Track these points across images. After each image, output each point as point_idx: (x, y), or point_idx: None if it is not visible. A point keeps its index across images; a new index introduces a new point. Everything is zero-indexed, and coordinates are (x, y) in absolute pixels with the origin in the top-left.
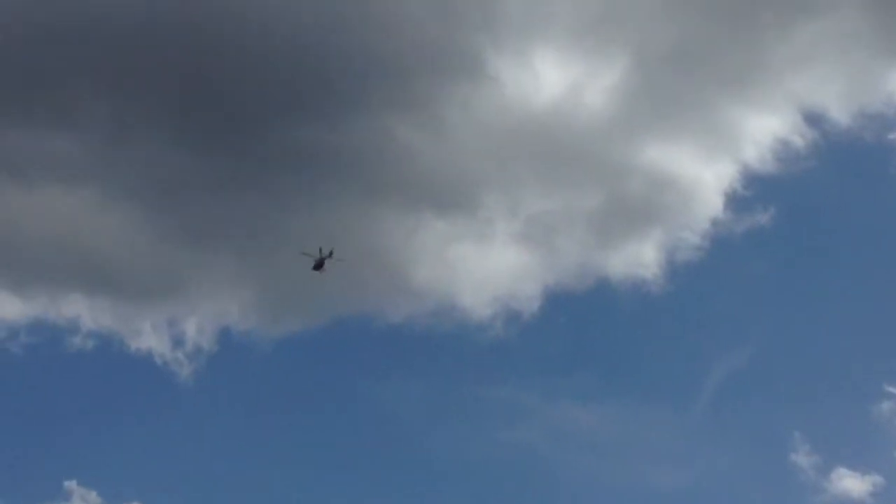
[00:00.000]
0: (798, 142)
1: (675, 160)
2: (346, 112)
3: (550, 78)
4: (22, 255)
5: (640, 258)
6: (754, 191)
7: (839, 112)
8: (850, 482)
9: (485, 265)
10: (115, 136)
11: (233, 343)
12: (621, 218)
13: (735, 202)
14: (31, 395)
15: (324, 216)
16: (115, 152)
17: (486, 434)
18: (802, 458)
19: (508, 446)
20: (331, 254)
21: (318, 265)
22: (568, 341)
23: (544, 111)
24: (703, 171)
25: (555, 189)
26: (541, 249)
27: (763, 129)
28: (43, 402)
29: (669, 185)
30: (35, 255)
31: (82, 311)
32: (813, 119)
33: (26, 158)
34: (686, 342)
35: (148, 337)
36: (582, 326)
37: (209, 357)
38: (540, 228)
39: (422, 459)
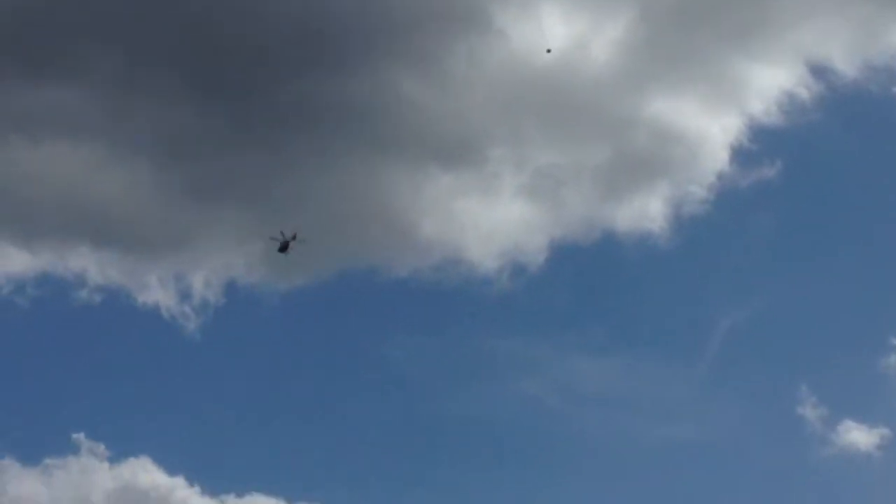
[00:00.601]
0: (804, 94)
1: (680, 113)
2: (353, 66)
3: (556, 31)
4: (29, 210)
5: (647, 211)
6: (760, 144)
7: (845, 64)
8: (857, 434)
9: (491, 219)
10: (122, 91)
11: (239, 296)
12: (627, 171)
13: (741, 155)
14: (39, 348)
15: (330, 170)
16: (122, 107)
17: (493, 386)
18: (809, 411)
19: (516, 399)
20: (294, 237)
21: (283, 247)
22: (574, 294)
23: (550, 65)
24: (709, 125)
25: (561, 142)
26: (547, 203)
27: (769, 81)
28: (50, 356)
29: (675, 138)
30: (42, 210)
31: (89, 265)
32: (818, 71)
33: (33, 113)
34: (693, 295)
35: (155, 291)
36: (588, 279)
37: (216, 310)
38: (546, 182)
39: (429, 412)
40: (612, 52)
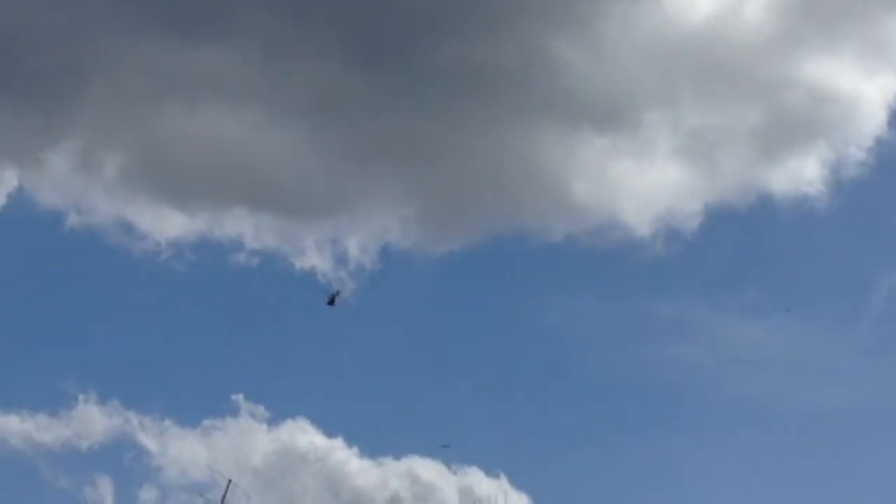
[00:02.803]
0: None
1: (836, 75)
2: (506, 29)
3: None
4: (186, 173)
5: (803, 174)
6: None
7: None
8: None
9: (645, 182)
10: (279, 53)
11: (394, 260)
12: (783, 133)
13: None
14: (197, 312)
15: (484, 132)
16: (278, 70)
17: (650, 350)
18: None
19: (672, 362)
20: (338, 292)
21: (331, 301)
22: (730, 258)
23: (703, 26)
24: (866, 86)
25: (715, 105)
26: (702, 166)
27: None
28: (209, 320)
29: (831, 99)
30: (198, 173)
31: (246, 230)
32: None
33: (188, 77)
34: (852, 258)
35: (311, 255)
36: (744, 243)
37: (371, 275)
38: (700, 145)
39: (584, 376)
40: (765, 14)
